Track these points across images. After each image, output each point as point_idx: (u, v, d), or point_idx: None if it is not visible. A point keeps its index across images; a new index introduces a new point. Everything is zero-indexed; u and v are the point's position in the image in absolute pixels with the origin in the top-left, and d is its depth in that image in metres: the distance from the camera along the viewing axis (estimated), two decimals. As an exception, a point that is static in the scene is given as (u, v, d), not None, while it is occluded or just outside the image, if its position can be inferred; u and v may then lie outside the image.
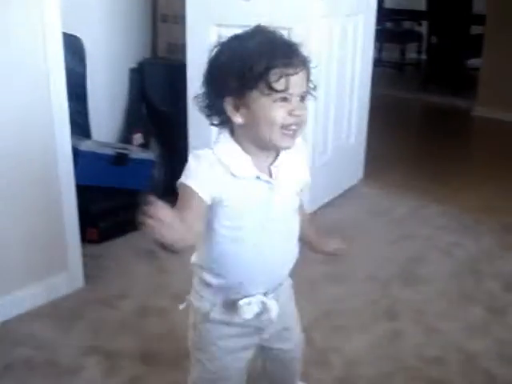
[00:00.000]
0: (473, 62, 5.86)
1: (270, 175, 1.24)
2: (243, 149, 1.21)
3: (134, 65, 3.31)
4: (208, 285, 1.31)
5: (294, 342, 1.50)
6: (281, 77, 1.13)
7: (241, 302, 1.28)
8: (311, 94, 1.22)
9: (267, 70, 1.13)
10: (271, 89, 1.14)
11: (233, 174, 1.19)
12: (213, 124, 1.25)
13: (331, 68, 2.94)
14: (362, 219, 3.04)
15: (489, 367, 1.95)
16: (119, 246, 2.69)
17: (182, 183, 1.18)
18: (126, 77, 3.31)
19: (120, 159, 2.84)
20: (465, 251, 2.71)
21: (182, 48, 2.99)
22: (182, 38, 2.93)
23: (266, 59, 1.13)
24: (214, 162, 1.18)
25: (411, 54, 7.44)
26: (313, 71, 1.22)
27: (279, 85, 1.14)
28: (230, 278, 1.28)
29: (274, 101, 1.15)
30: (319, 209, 3.03)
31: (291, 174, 1.28)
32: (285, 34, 1.22)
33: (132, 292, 2.34)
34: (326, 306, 2.25)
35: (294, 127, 1.18)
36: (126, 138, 3.29)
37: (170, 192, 1.26)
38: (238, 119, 1.19)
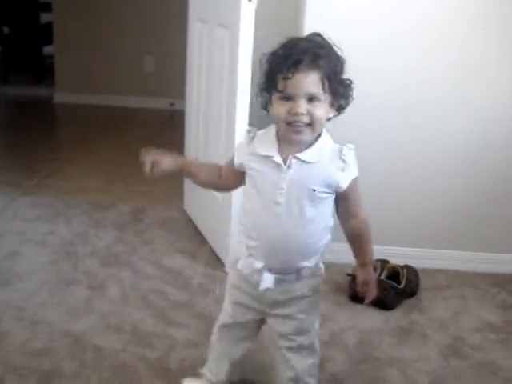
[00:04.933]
0: (49, 49, 5.87)
1: (285, 162, 1.42)
2: (277, 136, 1.45)
3: None
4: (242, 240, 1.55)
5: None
6: (282, 79, 1.34)
7: (243, 256, 1.54)
8: (332, 96, 1.40)
9: (275, 74, 1.36)
10: (276, 89, 1.36)
11: (256, 152, 1.47)
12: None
13: None
14: None
15: (97, 342, 2.01)
16: None
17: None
18: None
19: None
20: (59, 237, 2.74)
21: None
22: None
23: (276, 65, 1.36)
24: (248, 141, 1.50)
25: (-15, 46, 7.07)
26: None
27: (280, 85, 1.35)
28: (249, 238, 1.52)
29: (280, 99, 1.37)
30: None
31: (312, 172, 1.43)
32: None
33: None
34: None
35: (298, 124, 1.36)
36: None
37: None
38: (270, 111, 1.43)
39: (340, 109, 1.45)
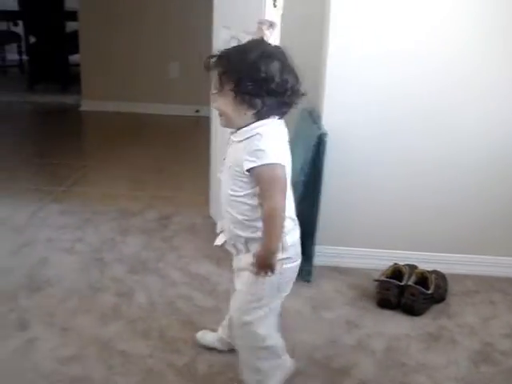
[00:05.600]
0: (74, 58, 5.94)
1: None
2: None
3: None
4: None
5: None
6: None
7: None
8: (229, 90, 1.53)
9: None
10: None
11: None
12: None
13: None
14: (-22, 234, 2.86)
15: (125, 348, 2.03)
16: None
17: None
18: None
19: None
20: (87, 244, 2.77)
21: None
22: None
23: None
24: None
25: (13, 56, 7.18)
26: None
27: None
28: None
29: None
30: None
31: (232, 152, 1.63)
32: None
33: None
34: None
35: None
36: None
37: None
38: None
39: (254, 106, 1.55)
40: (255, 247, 1.65)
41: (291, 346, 2.05)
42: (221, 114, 1.61)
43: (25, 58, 6.84)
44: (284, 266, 1.66)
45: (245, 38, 2.37)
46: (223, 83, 1.54)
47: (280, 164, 1.56)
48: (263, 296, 1.71)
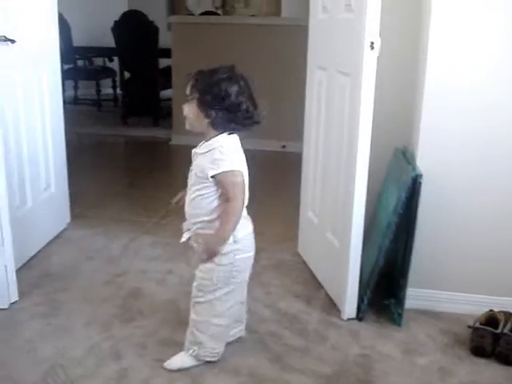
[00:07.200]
0: (167, 93, 6.14)
1: None
2: None
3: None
4: None
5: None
6: None
7: None
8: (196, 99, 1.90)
9: None
10: None
11: None
12: None
13: (19, 120, 2.81)
14: (75, 263, 2.96)
15: (215, 383, 2.05)
16: None
17: None
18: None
19: None
20: (178, 277, 2.82)
21: None
22: None
23: None
24: None
25: (107, 90, 7.52)
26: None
27: None
28: None
29: None
30: (30, 260, 2.91)
31: (200, 161, 1.94)
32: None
33: None
34: (50, 362, 2.15)
35: None
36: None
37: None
38: None
39: (209, 116, 1.90)
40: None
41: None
42: (186, 118, 1.95)
43: (119, 92, 7.15)
44: (236, 256, 2.00)
45: (341, 80, 2.42)
46: (192, 93, 1.90)
47: (239, 171, 1.94)
48: (217, 282, 2.02)
